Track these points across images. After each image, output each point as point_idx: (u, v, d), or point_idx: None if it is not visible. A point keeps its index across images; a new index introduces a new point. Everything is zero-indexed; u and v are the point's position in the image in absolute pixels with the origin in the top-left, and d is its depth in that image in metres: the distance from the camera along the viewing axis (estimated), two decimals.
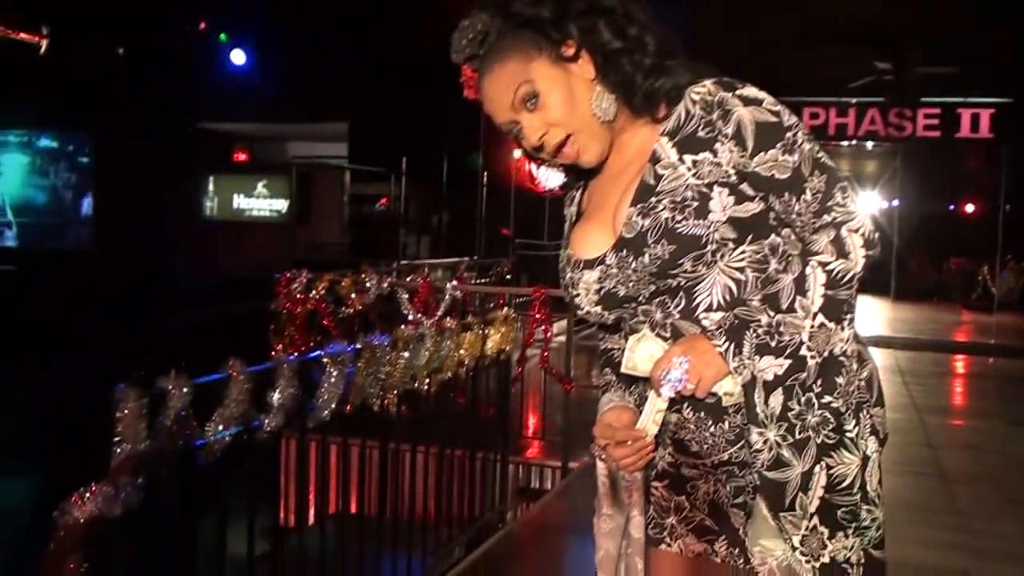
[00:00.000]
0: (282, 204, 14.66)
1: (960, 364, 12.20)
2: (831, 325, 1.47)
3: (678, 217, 1.46)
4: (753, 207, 1.47)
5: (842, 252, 1.47)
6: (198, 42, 10.99)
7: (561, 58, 1.50)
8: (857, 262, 1.47)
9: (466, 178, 13.25)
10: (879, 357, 11.21)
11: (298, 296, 6.77)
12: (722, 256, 1.47)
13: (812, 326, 1.46)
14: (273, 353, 6.07)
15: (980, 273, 18.76)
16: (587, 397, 8.87)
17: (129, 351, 6.78)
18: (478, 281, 9.94)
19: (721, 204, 1.46)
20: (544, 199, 13.79)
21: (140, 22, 10.12)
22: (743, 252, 1.47)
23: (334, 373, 3.25)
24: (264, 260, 10.82)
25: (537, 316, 6.01)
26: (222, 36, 11.44)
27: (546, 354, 5.93)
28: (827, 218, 1.48)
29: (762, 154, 1.45)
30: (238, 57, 11.26)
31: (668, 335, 1.51)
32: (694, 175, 1.47)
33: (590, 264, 1.55)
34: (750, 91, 1.47)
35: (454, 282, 6.77)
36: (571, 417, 5.76)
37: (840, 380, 1.52)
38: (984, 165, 18.64)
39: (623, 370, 1.55)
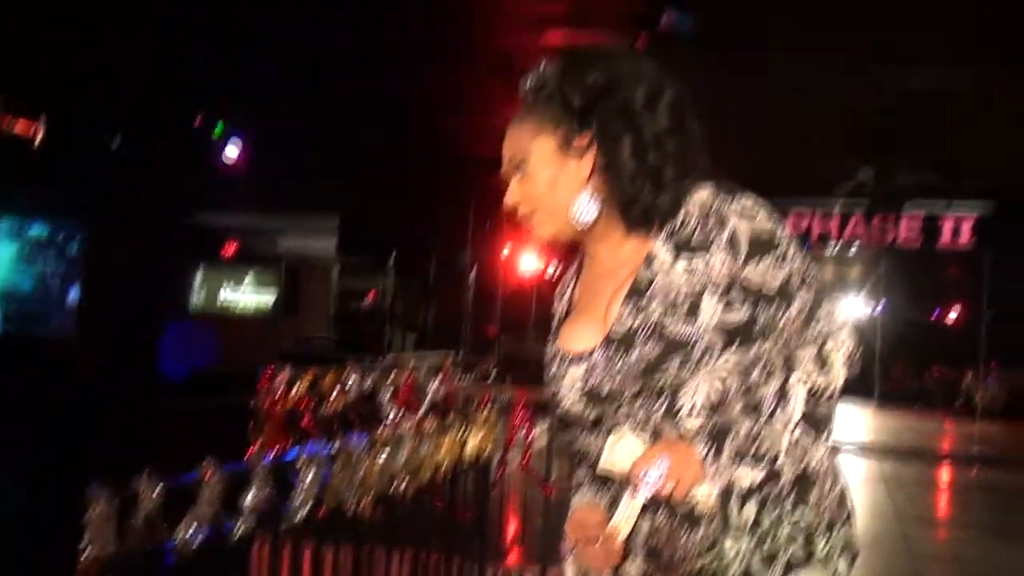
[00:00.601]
0: (269, 297, 14.67)
1: (943, 473, 12.15)
2: (808, 440, 1.49)
3: (668, 319, 1.47)
4: (740, 315, 1.47)
5: (824, 368, 1.49)
6: (192, 135, 11.13)
7: (567, 147, 1.53)
8: (838, 379, 1.50)
9: (454, 274, 13.32)
10: (862, 465, 11.15)
11: (279, 392, 6.72)
12: (707, 361, 1.46)
13: (790, 439, 1.47)
14: (251, 451, 6.01)
15: (963, 381, 18.82)
16: (568, 502, 8.79)
17: (105, 446, 6.71)
18: (463, 379, 9.90)
19: (711, 310, 1.46)
20: (530, 300, 13.89)
21: (134, 114, 10.27)
22: (727, 359, 1.47)
23: (309, 475, 3.22)
24: (248, 354, 10.78)
25: (520, 417, 5.98)
26: (216, 130, 11.59)
27: (528, 456, 5.89)
28: (813, 333, 1.50)
29: (754, 264, 1.47)
30: (231, 151, 11.40)
31: (648, 435, 1.50)
32: (687, 279, 1.48)
33: (577, 359, 1.55)
34: (748, 200, 1.51)
35: (437, 383, 6.74)
36: (551, 522, 5.69)
37: (813, 496, 1.51)
38: (966, 273, 18.86)
39: (600, 468, 1.52)
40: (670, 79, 1.56)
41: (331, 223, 14.22)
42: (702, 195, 1.51)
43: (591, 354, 1.53)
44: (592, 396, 1.53)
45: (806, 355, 1.50)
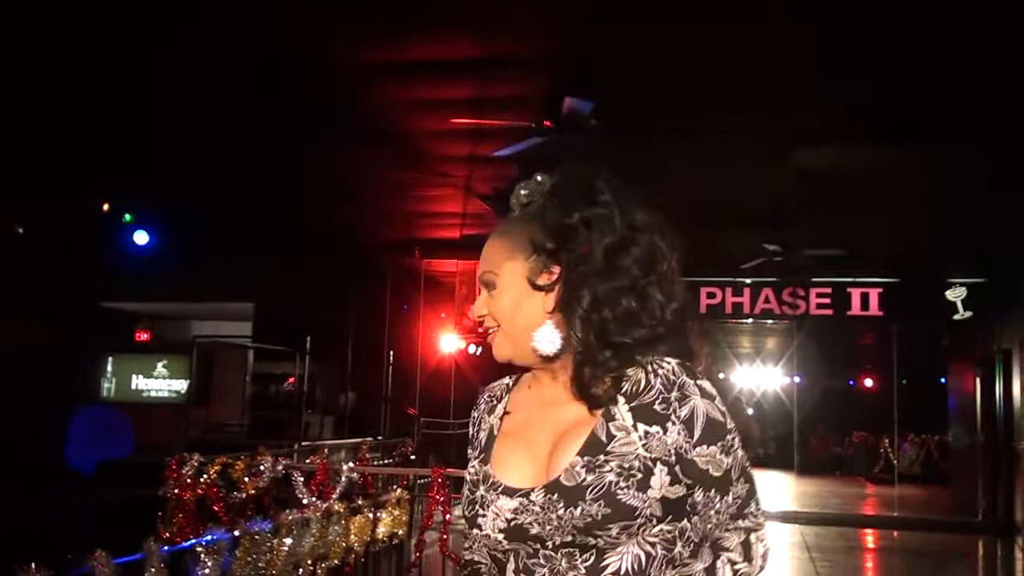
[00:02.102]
0: (181, 384, 14.36)
1: (864, 538, 12.26)
2: None
3: (622, 484, 1.45)
4: (679, 491, 1.49)
5: (748, 556, 1.56)
6: (101, 222, 10.94)
7: (535, 278, 1.55)
8: (756, 570, 1.58)
9: (373, 358, 13.20)
10: (786, 532, 11.21)
11: (188, 481, 6.52)
12: (643, 530, 1.46)
13: None
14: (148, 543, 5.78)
15: (881, 446, 19.17)
16: None
17: (3, 538, 6.40)
18: (382, 462, 9.74)
19: (660, 481, 1.47)
20: (449, 380, 13.82)
21: (41, 200, 10.08)
22: (660, 529, 1.48)
23: (209, 563, 3.11)
24: (158, 443, 10.49)
25: (437, 497, 5.88)
26: (126, 216, 11.42)
27: (445, 537, 5.79)
28: (741, 523, 1.56)
29: (703, 447, 1.49)
30: (141, 238, 11.22)
31: None
32: (644, 446, 1.47)
33: (511, 492, 1.52)
34: (707, 384, 1.52)
35: (351, 464, 6.62)
36: None
37: None
38: (878, 342, 19.35)
39: None
40: (644, 226, 1.57)
41: (245, 308, 14.04)
42: (668, 366, 1.51)
43: (529, 493, 1.50)
44: (516, 533, 1.50)
45: (734, 541, 1.56)
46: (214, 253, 11.96)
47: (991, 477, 13.67)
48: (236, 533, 3.23)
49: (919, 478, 18.39)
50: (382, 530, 4.40)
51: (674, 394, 1.49)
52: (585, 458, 1.48)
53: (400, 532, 4.63)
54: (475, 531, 1.55)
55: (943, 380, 17.62)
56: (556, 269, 1.53)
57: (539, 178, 1.62)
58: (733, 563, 1.55)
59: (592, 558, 1.46)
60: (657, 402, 1.49)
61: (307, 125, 7.56)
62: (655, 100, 6.80)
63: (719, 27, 5.78)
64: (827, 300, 13.12)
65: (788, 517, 11.93)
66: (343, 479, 6.46)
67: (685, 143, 7.61)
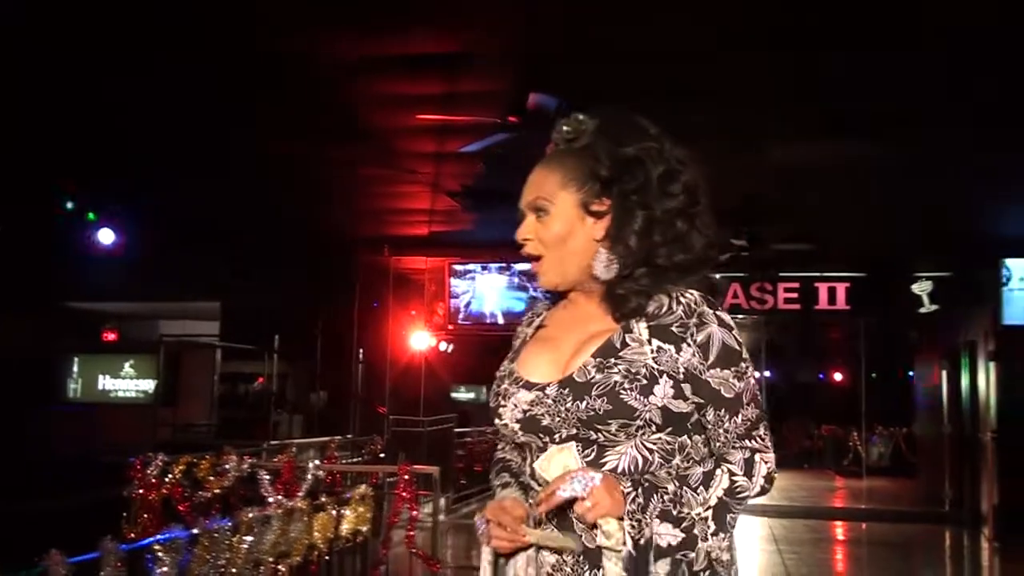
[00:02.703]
0: (149, 384, 14.24)
1: (833, 530, 12.36)
2: (715, 525, 1.61)
3: (627, 385, 1.59)
4: (684, 407, 1.62)
5: (749, 473, 1.65)
6: (65, 221, 10.82)
7: (587, 206, 1.69)
8: (755, 488, 1.66)
9: (343, 356, 13.14)
10: (755, 525, 11.28)
11: (152, 481, 6.46)
12: (641, 433, 1.61)
13: (704, 515, 1.60)
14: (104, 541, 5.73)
15: (850, 439, 19.33)
16: None
17: None
18: (351, 461, 9.70)
19: (663, 392, 1.60)
20: (419, 378, 13.79)
21: (3, 200, 9.96)
22: (659, 438, 1.62)
23: (166, 561, 3.08)
24: (126, 443, 10.39)
25: (403, 494, 5.87)
26: (91, 215, 11.29)
27: (411, 534, 5.77)
28: (748, 443, 1.66)
29: (717, 370, 1.63)
30: (106, 236, 11.10)
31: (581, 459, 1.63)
32: (653, 358, 1.62)
33: (530, 386, 1.68)
34: (726, 316, 1.67)
35: (316, 461, 6.59)
36: None
37: None
38: (847, 336, 19.50)
39: (535, 466, 1.66)
40: (687, 161, 1.73)
41: (213, 307, 13.93)
42: (692, 296, 1.66)
43: (546, 387, 1.66)
44: (530, 423, 1.67)
45: (738, 457, 1.65)
46: (181, 251, 11.86)
47: (957, 468, 13.82)
48: (195, 531, 3.20)
49: (887, 470, 18.55)
50: (346, 527, 4.38)
51: (693, 320, 1.63)
52: (597, 359, 1.63)
53: (365, 529, 4.60)
54: (496, 421, 1.73)
55: (910, 373, 17.79)
56: (607, 200, 1.68)
57: (580, 116, 1.74)
58: (732, 475, 1.62)
59: (593, 454, 1.63)
60: (675, 324, 1.63)
61: (275, 122, 7.52)
62: (623, 95, 6.81)
63: (685, 22, 5.80)
64: (795, 295, 13.18)
65: (756, 510, 11.99)
66: (309, 477, 6.45)
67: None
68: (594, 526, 1.57)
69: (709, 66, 6.36)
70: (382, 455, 10.44)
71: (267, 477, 6.53)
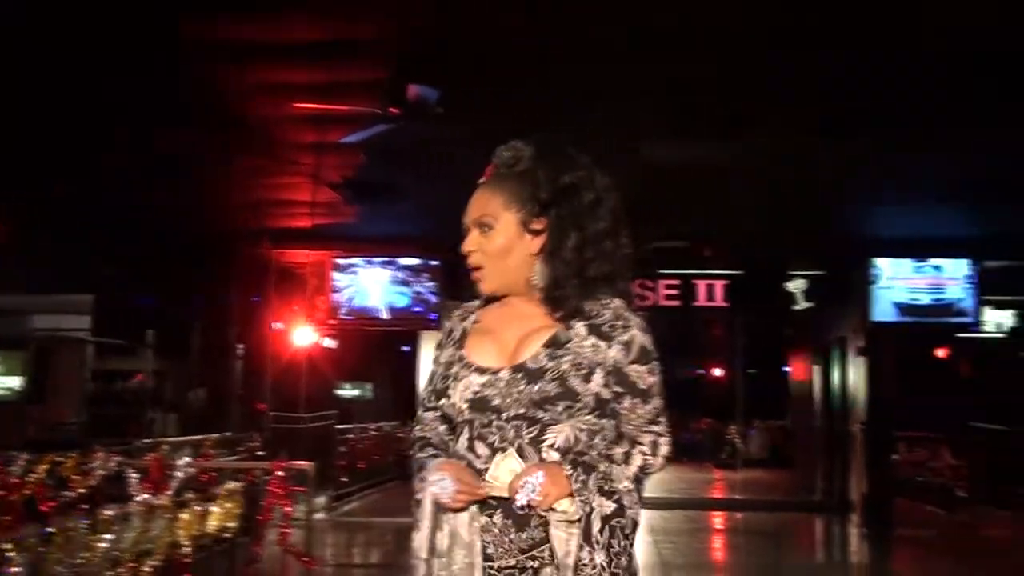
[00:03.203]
0: (16, 381, 13.64)
1: (710, 520, 12.65)
2: (636, 496, 1.93)
3: (573, 373, 1.91)
4: (608, 394, 1.95)
5: (655, 453, 1.99)
6: None
7: (526, 225, 1.98)
8: (659, 464, 2.01)
9: (222, 352, 12.81)
10: None
11: (14, 480, 6.19)
12: (578, 415, 1.92)
13: (629, 487, 1.92)
14: None
15: (727, 433, 19.85)
16: None
17: None
18: (227, 459, 9.47)
19: (597, 381, 1.93)
20: (301, 374, 13.58)
21: None
22: (589, 419, 1.93)
23: (18, 561, 2.95)
24: None
25: (276, 491, 5.76)
26: None
27: (285, 531, 5.67)
28: (654, 428, 2.00)
29: (636, 366, 1.96)
30: None
31: (514, 451, 1.90)
32: (591, 352, 1.94)
33: (482, 370, 1.97)
34: (643, 321, 2.01)
35: (186, 458, 6.41)
36: None
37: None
38: (723, 332, 19.99)
39: (487, 478, 1.88)
40: (611, 188, 2.02)
41: (85, 302, 13.43)
42: (617, 303, 1.99)
43: (497, 372, 1.95)
44: (479, 403, 1.94)
45: (647, 440, 1.98)
46: (52, 243, 11.40)
47: (829, 459, 14.32)
48: (50, 529, 3.06)
49: (764, 462, 19.11)
50: (213, 524, 4.26)
51: (620, 323, 1.96)
52: (548, 349, 1.95)
53: (233, 526, 4.49)
54: (443, 400, 1.99)
55: (786, 369, 18.35)
56: (544, 220, 1.97)
57: (519, 144, 2.03)
58: (644, 454, 1.97)
59: (536, 431, 1.91)
60: (605, 325, 1.96)
61: (148, 110, 7.28)
62: (500, 89, 6.81)
63: (564, 17, 5.84)
64: (675, 291, 13.41)
65: None
66: (179, 475, 6.27)
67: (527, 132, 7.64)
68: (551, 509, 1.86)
69: (586, 64, 6.42)
70: (260, 453, 10.25)
71: (135, 475, 6.37)
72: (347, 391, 23.46)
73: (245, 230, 11.31)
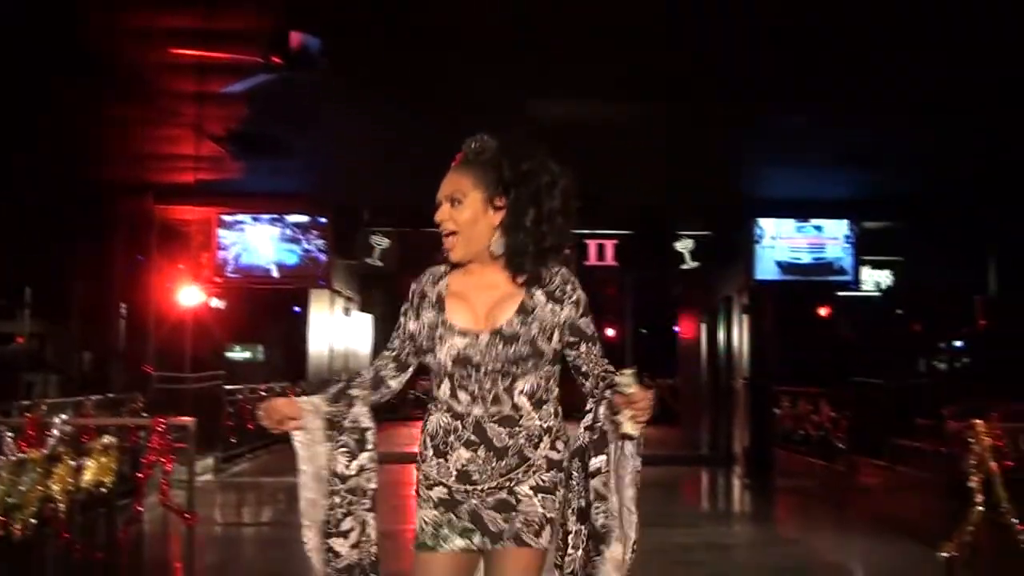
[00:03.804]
0: None
1: None
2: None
3: (539, 336, 2.39)
4: (559, 346, 2.44)
5: (614, 372, 2.43)
6: None
7: (490, 202, 2.40)
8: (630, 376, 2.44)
9: (105, 312, 12.41)
10: None
11: None
12: (542, 367, 2.41)
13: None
14: None
15: None
16: (232, 536, 8.35)
17: None
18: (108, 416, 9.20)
19: (557, 338, 2.43)
20: (186, 334, 13.25)
21: None
22: (547, 368, 2.43)
23: None
24: None
25: (155, 447, 5.63)
26: None
27: (165, 488, 5.57)
28: (603, 361, 2.50)
29: (584, 318, 2.47)
30: None
31: (499, 402, 2.38)
32: (551, 315, 2.41)
33: (464, 333, 2.39)
34: (578, 282, 2.48)
35: (63, 416, 6.21)
36: (198, 557, 5.41)
37: None
38: (616, 292, 20.25)
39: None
40: (563, 173, 2.42)
41: None
42: (563, 271, 2.46)
43: (478, 335, 2.38)
44: (461, 360, 2.38)
45: (599, 371, 2.46)
46: None
47: (714, 415, 14.73)
48: None
49: (653, 419, 19.44)
50: (88, 478, 4.15)
51: (568, 287, 2.44)
52: (519, 316, 2.40)
53: (108, 481, 4.38)
54: (429, 358, 2.43)
55: (675, 328, 18.72)
56: (505, 198, 2.39)
57: (485, 137, 2.44)
58: (609, 372, 2.44)
59: (508, 381, 2.39)
60: (557, 290, 2.43)
61: (18, 56, 6.94)
62: (386, 40, 6.72)
63: None
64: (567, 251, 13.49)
65: None
66: (56, 432, 6.08)
67: (423, 90, 7.57)
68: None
69: (471, 18, 6.36)
70: (144, 414, 10.00)
71: (9, 434, 6.15)
72: (238, 354, 23.04)
73: (126, 184, 10.95)
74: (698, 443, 14.83)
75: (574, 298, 2.45)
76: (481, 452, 2.39)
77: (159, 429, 5.66)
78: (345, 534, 2.44)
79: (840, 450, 12.24)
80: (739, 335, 13.44)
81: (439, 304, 2.44)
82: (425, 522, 2.43)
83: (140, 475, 5.65)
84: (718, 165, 10.72)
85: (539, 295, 2.41)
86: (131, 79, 7.38)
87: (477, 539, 2.40)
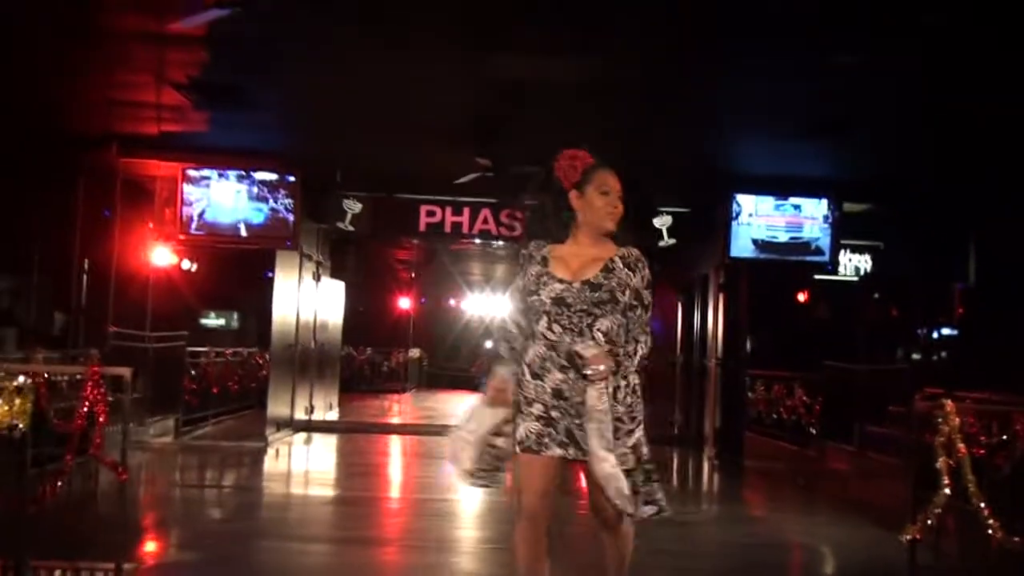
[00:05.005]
0: None
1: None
2: (638, 368, 3.38)
3: (617, 289, 3.30)
4: (628, 304, 3.32)
5: (648, 344, 3.38)
6: None
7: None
8: (647, 353, 3.37)
9: (67, 271, 12.09)
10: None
11: None
12: (612, 313, 3.29)
13: (633, 369, 3.34)
14: None
15: None
16: (168, 496, 8.13)
17: None
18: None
19: (627, 295, 3.32)
20: (147, 291, 12.92)
21: None
22: (617, 316, 3.30)
23: None
24: None
25: (89, 396, 5.38)
26: None
27: (98, 441, 5.33)
28: (647, 329, 3.37)
29: (647, 290, 3.39)
30: None
31: (582, 334, 3.31)
32: (625, 277, 3.33)
33: (559, 280, 3.33)
34: (647, 262, 3.46)
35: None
36: (128, 512, 5.17)
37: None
38: None
39: (577, 350, 3.28)
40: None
41: None
42: (636, 251, 3.45)
43: (571, 283, 3.31)
44: (558, 300, 3.30)
45: (643, 338, 3.36)
46: None
47: (686, 395, 14.57)
48: None
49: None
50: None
51: (640, 264, 3.39)
52: (603, 273, 3.32)
53: (21, 424, 4.14)
54: (532, 297, 3.34)
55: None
56: None
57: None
58: (646, 344, 3.36)
59: (591, 319, 3.28)
60: (632, 264, 3.38)
61: None
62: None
63: None
64: None
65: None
66: None
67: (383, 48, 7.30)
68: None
69: None
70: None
71: None
72: (212, 320, 22.77)
73: (89, 136, 10.61)
74: (669, 423, 14.67)
75: (643, 272, 3.39)
76: (571, 374, 3.26)
77: (95, 379, 5.41)
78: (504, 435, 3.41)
79: (813, 435, 12.12)
80: (713, 314, 13.25)
81: (544, 262, 3.41)
82: (530, 432, 3.30)
83: (74, 425, 5.39)
84: (695, 139, 10.50)
85: (618, 261, 3.37)
86: (84, 17, 7.04)
87: (572, 451, 3.28)
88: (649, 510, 3.31)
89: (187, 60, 7.91)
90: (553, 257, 3.35)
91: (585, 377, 3.17)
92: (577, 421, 3.20)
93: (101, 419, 5.26)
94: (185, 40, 7.17)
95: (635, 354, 3.27)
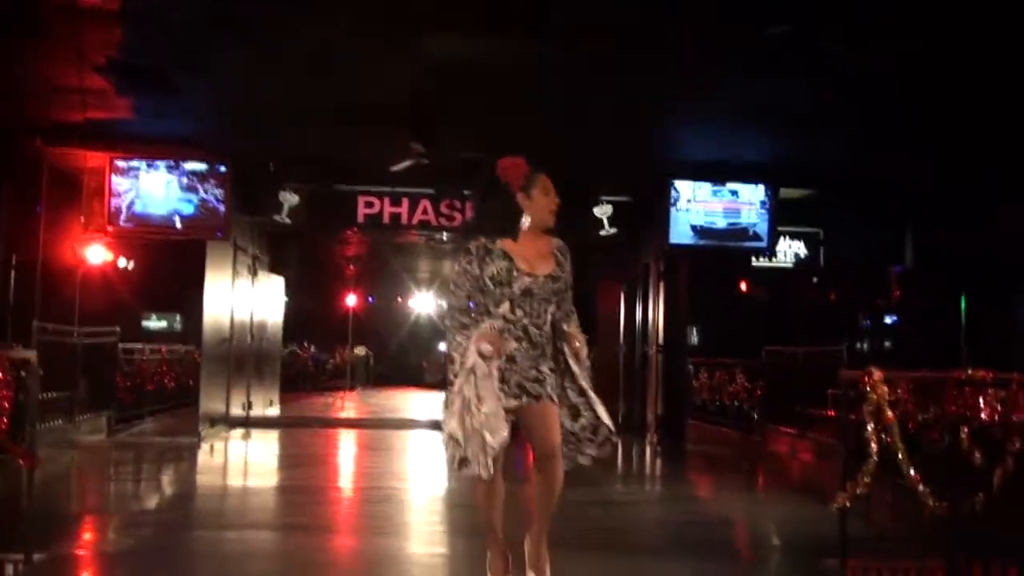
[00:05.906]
0: None
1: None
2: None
3: (565, 280, 3.97)
4: (563, 289, 3.99)
5: (577, 324, 4.06)
6: None
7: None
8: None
9: None
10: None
11: None
12: (558, 301, 3.95)
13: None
14: None
15: None
16: (79, 489, 7.88)
17: None
18: None
19: (566, 285, 3.99)
20: (77, 287, 12.61)
21: None
22: (556, 306, 3.95)
23: None
24: None
25: None
26: None
27: (5, 428, 5.13)
28: (573, 307, 4.06)
29: (571, 278, 4.02)
30: None
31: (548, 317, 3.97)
32: (566, 267, 3.99)
33: (529, 275, 3.86)
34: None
35: None
36: (36, 500, 4.97)
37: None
38: None
39: (568, 329, 4.02)
40: None
41: None
42: (561, 240, 4.03)
43: (537, 277, 3.87)
44: (526, 292, 3.86)
45: (574, 318, 4.04)
46: None
47: (629, 383, 14.57)
48: None
49: None
50: None
51: (567, 252, 4.02)
52: (555, 268, 3.94)
53: None
54: (502, 288, 3.84)
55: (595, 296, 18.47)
56: None
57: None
58: (573, 314, 4.02)
59: (547, 307, 3.92)
60: (565, 252, 4.01)
61: None
62: None
63: None
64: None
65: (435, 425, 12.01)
66: None
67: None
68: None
69: None
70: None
71: None
72: (155, 322, 22.29)
73: (10, 124, 10.29)
74: (613, 412, 14.62)
75: (568, 261, 4.00)
76: (524, 344, 3.84)
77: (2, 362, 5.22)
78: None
79: (755, 420, 12.15)
80: (654, 303, 13.24)
81: (505, 256, 3.85)
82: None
83: None
84: (633, 125, 10.45)
85: (559, 255, 3.97)
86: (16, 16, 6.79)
87: (525, 399, 3.82)
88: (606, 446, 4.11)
89: (106, 39, 7.67)
90: (513, 253, 3.86)
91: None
92: (526, 376, 3.81)
93: (7, 404, 5.05)
94: (102, 15, 6.95)
95: (572, 323, 4.03)
